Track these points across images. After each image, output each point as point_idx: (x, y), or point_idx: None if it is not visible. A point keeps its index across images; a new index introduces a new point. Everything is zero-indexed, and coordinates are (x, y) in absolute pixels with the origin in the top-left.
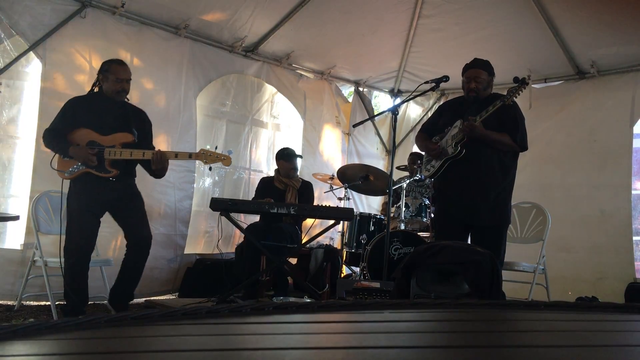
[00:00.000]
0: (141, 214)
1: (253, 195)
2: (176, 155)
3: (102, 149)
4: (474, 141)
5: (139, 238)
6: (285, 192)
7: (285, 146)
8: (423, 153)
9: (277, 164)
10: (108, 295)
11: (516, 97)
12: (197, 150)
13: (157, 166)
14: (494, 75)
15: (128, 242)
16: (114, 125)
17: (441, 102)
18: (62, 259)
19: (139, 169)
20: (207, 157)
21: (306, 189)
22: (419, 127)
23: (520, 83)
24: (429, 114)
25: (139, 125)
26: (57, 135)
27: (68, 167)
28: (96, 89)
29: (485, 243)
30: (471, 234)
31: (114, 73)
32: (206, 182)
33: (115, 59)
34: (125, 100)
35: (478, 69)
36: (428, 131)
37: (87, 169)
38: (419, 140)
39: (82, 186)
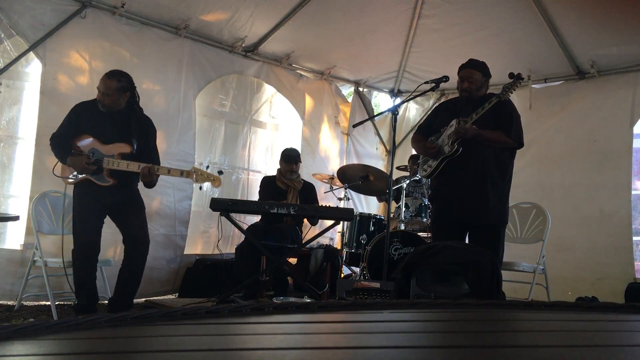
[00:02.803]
0: (140, 218)
1: (252, 196)
2: (169, 172)
3: (100, 158)
4: (470, 140)
5: (136, 241)
6: (287, 192)
7: (288, 147)
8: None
9: (280, 163)
10: (108, 301)
11: (511, 93)
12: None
13: (145, 179)
14: (490, 77)
15: (125, 246)
16: (115, 135)
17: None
18: (71, 260)
19: None
20: (199, 175)
21: (308, 190)
22: None
23: (516, 79)
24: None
25: (141, 134)
26: (60, 142)
27: (69, 173)
28: None
29: (483, 242)
30: (469, 233)
31: (99, 85)
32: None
33: (108, 71)
34: (136, 108)
35: (472, 69)
36: (424, 132)
37: (87, 176)
38: (415, 142)
39: (85, 189)
